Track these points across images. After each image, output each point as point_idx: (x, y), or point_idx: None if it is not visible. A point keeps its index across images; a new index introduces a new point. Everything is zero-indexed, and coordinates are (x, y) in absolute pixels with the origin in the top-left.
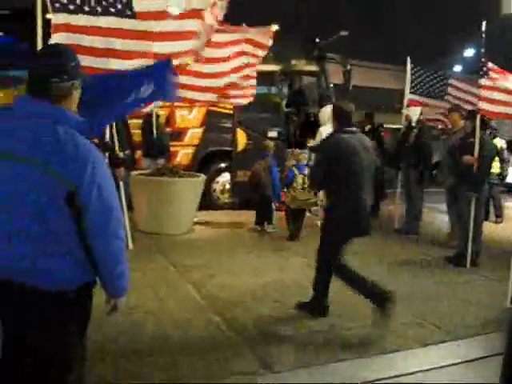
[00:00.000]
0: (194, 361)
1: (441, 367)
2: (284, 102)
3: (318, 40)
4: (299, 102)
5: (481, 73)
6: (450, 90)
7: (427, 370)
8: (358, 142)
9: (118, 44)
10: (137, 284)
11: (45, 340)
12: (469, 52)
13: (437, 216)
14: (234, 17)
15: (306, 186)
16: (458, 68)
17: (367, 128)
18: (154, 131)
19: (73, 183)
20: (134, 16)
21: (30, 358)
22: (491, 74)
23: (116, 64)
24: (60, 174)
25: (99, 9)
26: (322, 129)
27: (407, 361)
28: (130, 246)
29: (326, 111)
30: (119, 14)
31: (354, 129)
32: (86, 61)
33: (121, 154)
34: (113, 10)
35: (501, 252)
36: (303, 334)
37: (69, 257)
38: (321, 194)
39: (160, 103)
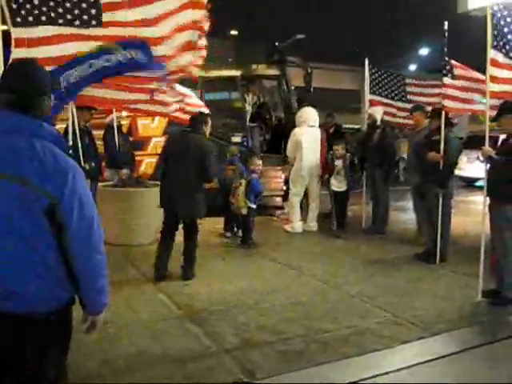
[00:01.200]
0: (174, 373)
1: (420, 363)
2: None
3: (277, 43)
4: (263, 109)
5: (444, 71)
6: (408, 89)
7: (407, 367)
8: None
9: (86, 47)
10: (110, 298)
11: (23, 365)
12: (423, 51)
13: (403, 214)
14: None
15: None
16: (412, 67)
17: (332, 129)
18: (117, 141)
19: (53, 196)
20: (100, 25)
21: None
22: (457, 70)
23: None
24: (39, 188)
25: (61, 21)
26: (296, 129)
27: (386, 360)
28: None
29: (305, 111)
30: (84, 23)
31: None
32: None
33: (86, 166)
34: (77, 22)
35: (468, 246)
36: (282, 340)
37: (49, 275)
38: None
39: (123, 113)
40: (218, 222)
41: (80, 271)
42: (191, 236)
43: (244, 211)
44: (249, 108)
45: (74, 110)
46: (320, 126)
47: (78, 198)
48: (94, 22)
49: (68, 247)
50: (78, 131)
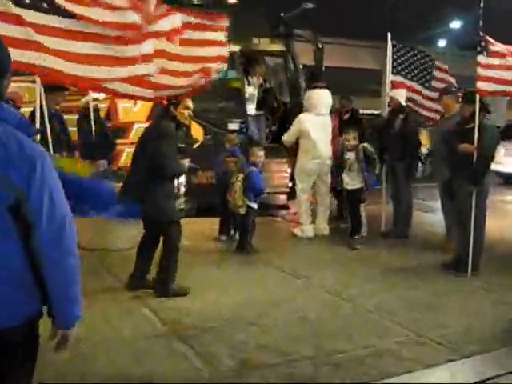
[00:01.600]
0: None
1: None
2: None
3: (282, 14)
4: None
5: (478, 49)
6: (435, 73)
7: None
8: None
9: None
10: (84, 310)
11: None
12: (455, 24)
13: (429, 215)
14: None
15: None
16: (442, 43)
17: (346, 116)
18: (93, 128)
19: (19, 188)
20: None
21: None
22: (493, 47)
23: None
24: (2, 177)
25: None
26: (302, 115)
27: None
28: None
29: (314, 96)
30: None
31: None
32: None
33: (57, 157)
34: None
35: (505, 254)
36: (287, 362)
37: (14, 284)
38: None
39: (101, 95)
40: (214, 224)
41: (50, 277)
42: (163, 243)
43: (242, 211)
44: (254, 92)
45: (42, 90)
46: (332, 112)
47: (48, 193)
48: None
49: (36, 249)
50: (46, 116)
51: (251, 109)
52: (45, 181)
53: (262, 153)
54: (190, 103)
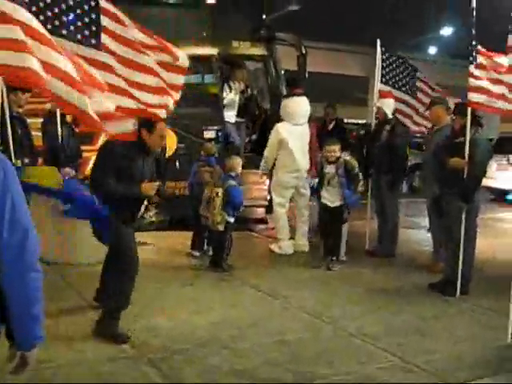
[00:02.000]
0: None
1: None
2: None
3: (265, 16)
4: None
5: (471, 58)
6: (418, 84)
7: None
8: None
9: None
10: (45, 330)
11: None
12: (446, 30)
13: (416, 233)
14: None
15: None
16: (432, 50)
17: (331, 126)
18: (59, 133)
19: None
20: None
21: None
22: (482, 58)
23: None
24: None
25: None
26: (279, 125)
27: None
28: None
29: (292, 104)
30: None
31: None
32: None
33: (18, 163)
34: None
35: (496, 275)
36: None
37: None
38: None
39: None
40: (186, 238)
41: (10, 293)
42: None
43: (221, 227)
44: (235, 98)
45: (4, 90)
46: (311, 120)
47: (9, 202)
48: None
49: None
50: (8, 118)
51: (231, 116)
52: (7, 185)
53: (240, 164)
54: (165, 132)
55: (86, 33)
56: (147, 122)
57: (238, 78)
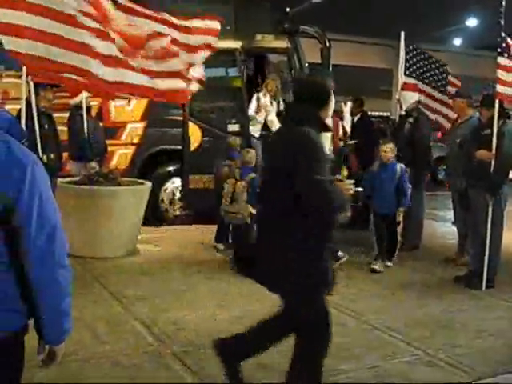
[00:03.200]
0: None
1: None
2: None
3: (288, 9)
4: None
5: (499, 50)
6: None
7: None
8: None
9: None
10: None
11: None
12: (471, 21)
13: (441, 226)
14: None
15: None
16: (457, 41)
17: (356, 118)
18: (86, 127)
19: (8, 196)
20: None
21: None
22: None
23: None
24: None
25: None
26: None
27: None
28: None
29: None
30: None
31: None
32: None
33: (44, 158)
34: None
35: None
36: None
37: None
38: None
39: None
40: (211, 231)
41: (39, 289)
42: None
43: (249, 220)
44: (262, 118)
45: (32, 86)
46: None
47: (38, 198)
48: None
49: (24, 258)
50: (35, 114)
51: (256, 130)
52: (35, 186)
53: (253, 153)
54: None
55: None
56: None
57: (271, 90)
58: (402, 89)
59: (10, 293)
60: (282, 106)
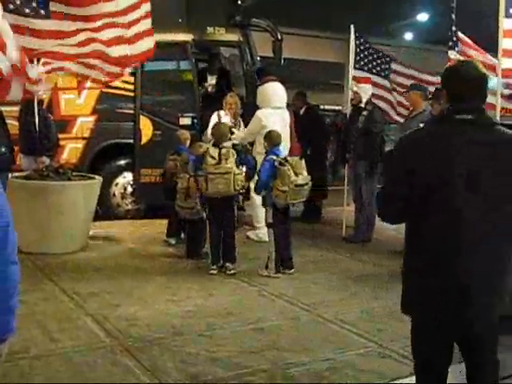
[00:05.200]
0: None
1: None
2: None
3: (240, 2)
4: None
5: (450, 44)
6: (391, 76)
7: None
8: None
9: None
10: (20, 321)
11: None
12: (422, 16)
13: None
14: None
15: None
16: (408, 36)
17: (302, 111)
18: (37, 121)
19: None
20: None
21: None
22: (462, 47)
23: None
24: None
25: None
26: (259, 112)
27: None
28: None
29: (267, 89)
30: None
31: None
32: None
33: None
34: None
35: None
36: (240, 375)
37: None
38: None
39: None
40: (162, 226)
41: None
42: None
43: (204, 215)
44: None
45: None
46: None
47: None
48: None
49: None
50: None
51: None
52: None
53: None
54: None
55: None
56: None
57: (231, 108)
58: (358, 82)
59: None
60: (241, 126)
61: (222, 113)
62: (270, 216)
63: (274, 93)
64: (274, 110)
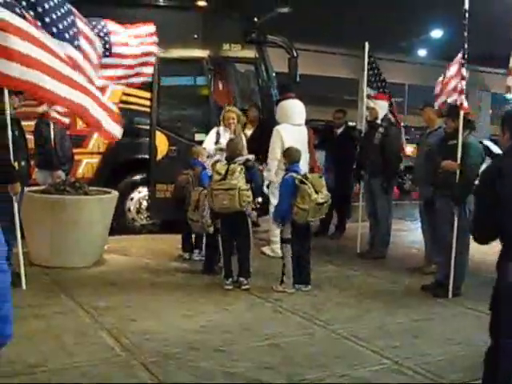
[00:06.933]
0: None
1: None
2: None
3: (256, 19)
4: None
5: (463, 61)
6: None
7: None
8: None
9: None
10: (37, 334)
11: None
12: (436, 33)
13: (408, 235)
14: None
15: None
16: (422, 52)
17: (340, 130)
18: (52, 135)
19: None
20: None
21: None
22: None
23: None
24: None
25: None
26: (279, 127)
27: None
28: (24, 285)
29: (287, 105)
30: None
31: None
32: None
33: (15, 165)
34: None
35: (489, 277)
36: None
37: None
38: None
39: None
40: (177, 240)
41: None
42: None
43: (211, 230)
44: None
45: (7, 94)
46: (326, 124)
47: None
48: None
49: None
50: (8, 121)
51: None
52: None
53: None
54: None
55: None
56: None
57: (229, 124)
58: (375, 98)
59: None
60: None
61: (221, 129)
62: (288, 232)
63: (294, 109)
64: (294, 126)
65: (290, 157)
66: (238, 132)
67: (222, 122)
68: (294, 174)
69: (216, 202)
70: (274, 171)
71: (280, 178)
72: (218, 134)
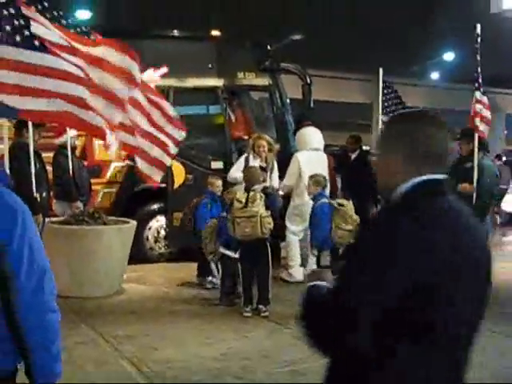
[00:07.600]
0: None
1: None
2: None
3: (269, 47)
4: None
5: (476, 85)
6: None
7: None
8: None
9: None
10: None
11: None
12: (448, 56)
13: None
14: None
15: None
16: (435, 75)
17: (354, 155)
18: (71, 166)
19: (0, 241)
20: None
21: None
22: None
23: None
24: None
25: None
26: (298, 154)
27: None
28: None
29: (305, 132)
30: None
31: None
32: None
33: (36, 197)
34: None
35: (508, 299)
36: None
37: None
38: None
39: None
40: (194, 269)
41: (28, 333)
42: None
43: (212, 257)
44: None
45: (30, 126)
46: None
47: (28, 244)
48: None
49: (14, 301)
50: (31, 154)
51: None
52: (26, 233)
53: (219, 182)
54: None
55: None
56: None
57: (259, 152)
58: None
59: (1, 334)
60: (275, 169)
61: (250, 156)
62: (327, 259)
63: (312, 136)
64: (312, 151)
65: (318, 183)
66: (270, 160)
67: (251, 150)
68: (326, 200)
69: (238, 229)
70: (284, 193)
71: (299, 202)
72: (246, 161)
